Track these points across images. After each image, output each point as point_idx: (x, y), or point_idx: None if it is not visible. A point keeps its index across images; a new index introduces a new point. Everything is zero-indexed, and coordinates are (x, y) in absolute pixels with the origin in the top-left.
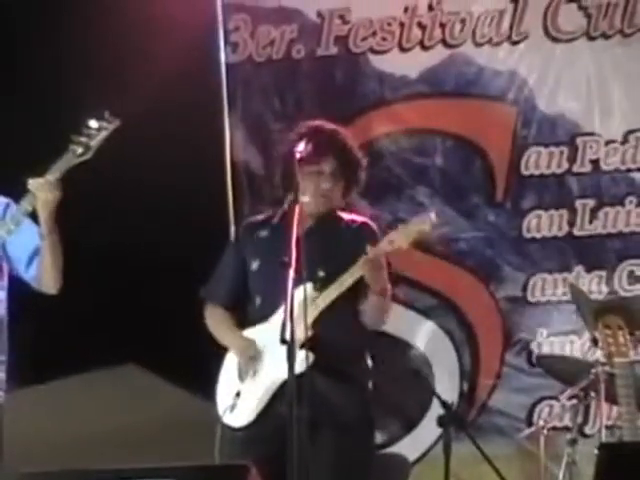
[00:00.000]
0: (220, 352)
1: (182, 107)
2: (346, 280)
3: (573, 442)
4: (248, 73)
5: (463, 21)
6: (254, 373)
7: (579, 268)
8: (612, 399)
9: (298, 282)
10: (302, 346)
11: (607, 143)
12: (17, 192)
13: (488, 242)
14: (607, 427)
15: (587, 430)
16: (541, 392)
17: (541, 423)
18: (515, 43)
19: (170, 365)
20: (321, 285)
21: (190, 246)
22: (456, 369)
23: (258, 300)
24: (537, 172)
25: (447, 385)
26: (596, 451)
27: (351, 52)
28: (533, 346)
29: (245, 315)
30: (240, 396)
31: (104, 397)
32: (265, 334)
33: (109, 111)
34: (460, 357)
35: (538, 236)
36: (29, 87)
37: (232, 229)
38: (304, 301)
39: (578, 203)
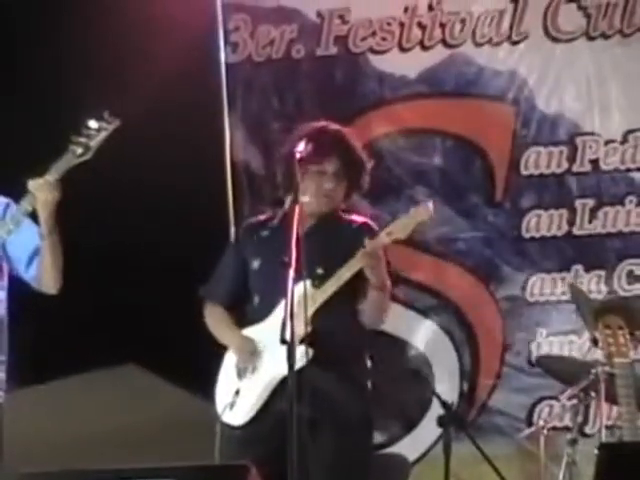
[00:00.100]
0: (220, 352)
1: (182, 107)
2: (344, 274)
3: (573, 442)
4: (248, 73)
5: (463, 21)
6: (253, 370)
7: (578, 268)
8: (612, 399)
9: (297, 280)
10: (301, 341)
11: (607, 143)
12: (17, 192)
13: (487, 242)
14: (607, 427)
15: (587, 430)
16: (541, 392)
17: (541, 423)
18: (515, 43)
19: (170, 365)
20: (319, 282)
21: (190, 246)
22: (456, 369)
23: (257, 299)
24: (537, 172)
25: (447, 385)
26: (596, 451)
27: (351, 52)
28: (533, 346)
29: (244, 314)
30: (239, 394)
31: (104, 397)
32: (264, 332)
33: (109, 111)
34: (460, 357)
35: (537, 236)
36: (29, 87)
37: (232, 229)
38: (303, 297)
39: (578, 203)
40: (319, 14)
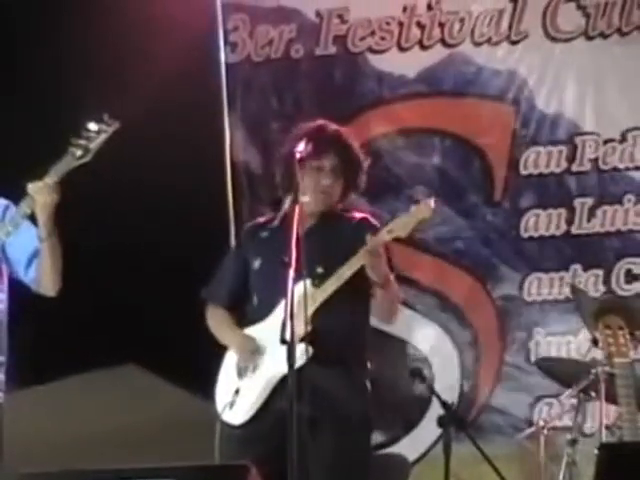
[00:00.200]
0: (220, 352)
1: (182, 107)
2: (344, 272)
3: (573, 442)
4: (247, 73)
5: (462, 20)
6: (254, 369)
7: (577, 267)
8: (612, 399)
9: (297, 280)
10: (302, 340)
11: (606, 142)
12: (16, 194)
13: (486, 241)
14: (607, 427)
15: (587, 430)
16: (541, 391)
17: (541, 423)
18: (514, 43)
19: (170, 365)
20: (319, 281)
21: (190, 246)
22: (456, 369)
23: (256, 299)
24: (536, 171)
25: (447, 385)
26: (596, 451)
27: (350, 52)
28: (531, 344)
29: (244, 314)
30: (239, 393)
31: (104, 397)
32: (264, 332)
33: (109, 111)
34: (460, 357)
35: (536, 235)
36: (29, 87)
37: (232, 229)
38: (304, 296)
39: (576, 202)
40: (318, 14)
